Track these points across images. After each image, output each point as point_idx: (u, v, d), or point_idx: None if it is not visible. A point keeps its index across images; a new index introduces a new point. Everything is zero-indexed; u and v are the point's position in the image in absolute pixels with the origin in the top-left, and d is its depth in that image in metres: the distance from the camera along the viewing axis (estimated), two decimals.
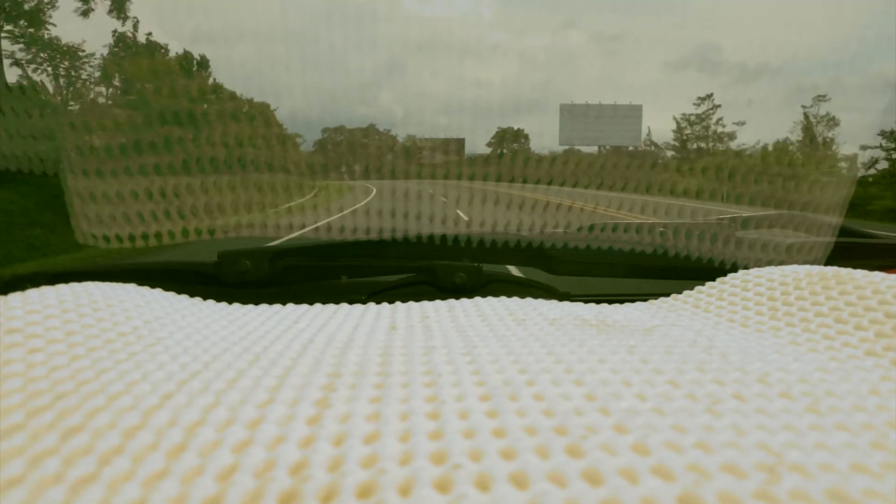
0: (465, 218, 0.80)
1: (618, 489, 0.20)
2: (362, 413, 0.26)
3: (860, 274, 0.48)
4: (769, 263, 0.63)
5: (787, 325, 0.45)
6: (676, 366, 0.33)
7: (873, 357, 0.37)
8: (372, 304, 0.55)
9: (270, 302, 0.55)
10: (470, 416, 0.25)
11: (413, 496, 0.19)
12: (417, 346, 0.38)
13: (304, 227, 0.81)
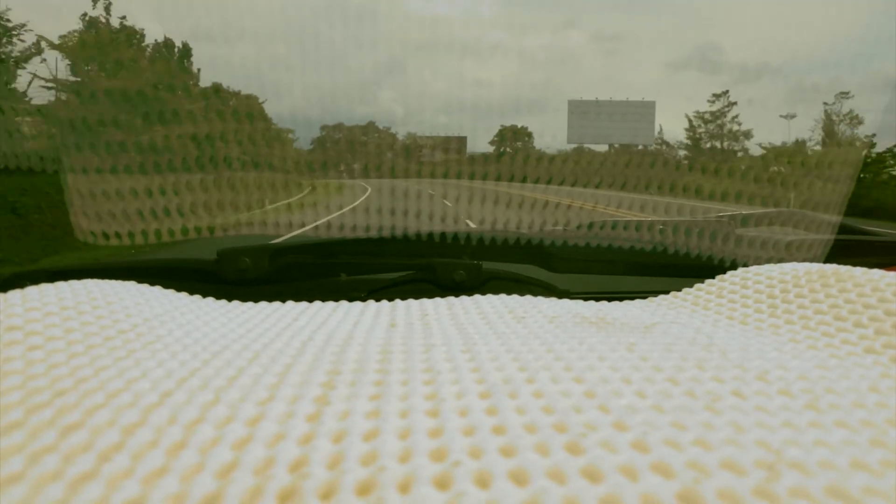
0: (473, 225, 0.79)
1: (617, 486, 0.20)
2: (362, 410, 0.26)
3: (860, 271, 0.48)
4: (769, 261, 0.63)
5: (786, 323, 0.45)
6: (676, 363, 0.33)
7: (872, 354, 0.37)
8: (371, 302, 0.55)
9: (270, 299, 0.55)
10: (469, 414, 0.25)
11: (413, 493, 0.19)
12: (417, 343, 0.38)
13: (303, 225, 0.81)
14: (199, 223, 0.71)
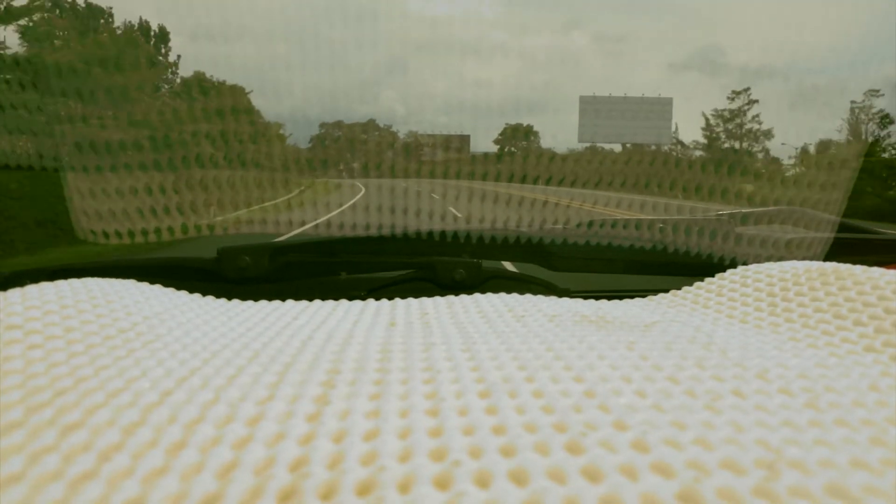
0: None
1: (617, 486, 0.20)
2: (362, 410, 0.26)
3: (859, 270, 0.48)
4: (768, 259, 0.63)
5: (786, 321, 0.45)
6: (676, 362, 0.33)
7: (872, 353, 0.37)
8: (371, 301, 0.55)
9: (270, 298, 0.55)
10: (469, 413, 0.25)
11: (413, 493, 0.19)
12: (417, 342, 0.38)
13: (303, 223, 0.80)
14: (172, 223, 0.70)
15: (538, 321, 0.44)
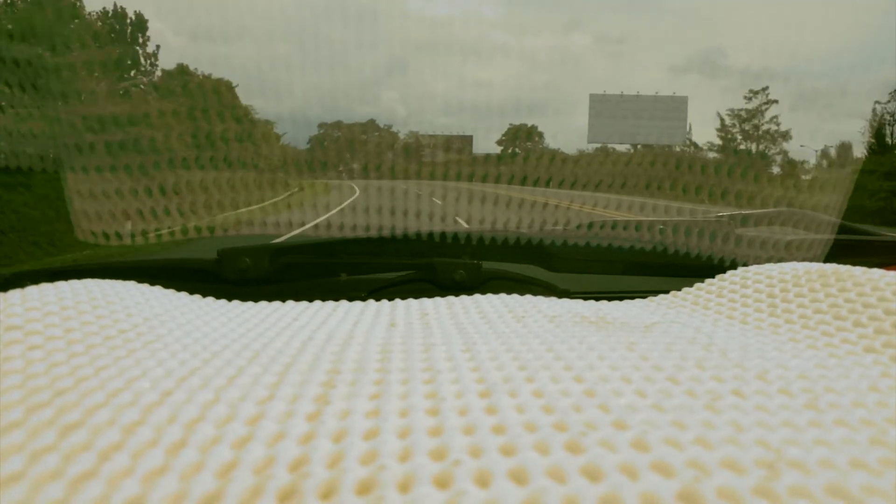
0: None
1: (617, 485, 0.20)
2: (362, 410, 0.26)
3: (859, 271, 0.48)
4: (768, 260, 0.63)
5: (786, 322, 0.45)
6: (676, 362, 0.33)
7: (872, 354, 0.37)
8: (371, 302, 0.55)
9: (270, 299, 0.55)
10: (469, 413, 0.25)
11: (413, 493, 0.19)
12: (417, 343, 0.38)
13: (303, 224, 0.80)
14: (160, 225, 0.69)
15: (538, 322, 0.44)
